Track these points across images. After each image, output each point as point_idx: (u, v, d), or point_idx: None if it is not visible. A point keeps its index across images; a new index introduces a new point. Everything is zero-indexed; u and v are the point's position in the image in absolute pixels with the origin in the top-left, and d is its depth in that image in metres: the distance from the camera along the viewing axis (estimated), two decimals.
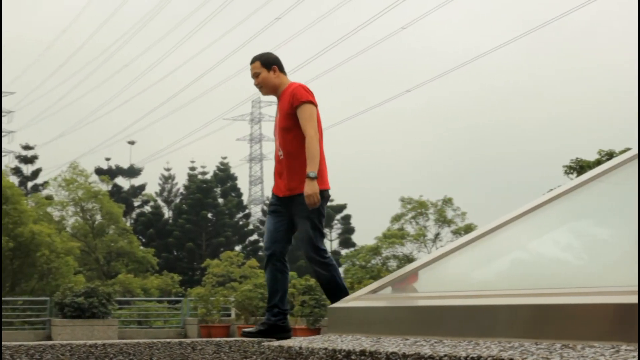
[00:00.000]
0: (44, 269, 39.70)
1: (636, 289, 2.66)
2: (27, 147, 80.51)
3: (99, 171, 73.58)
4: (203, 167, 76.39)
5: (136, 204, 77.17)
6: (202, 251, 68.94)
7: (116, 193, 71.20)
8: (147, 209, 75.79)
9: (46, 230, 39.86)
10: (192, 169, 77.33)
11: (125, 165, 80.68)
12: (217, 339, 6.42)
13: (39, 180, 77.90)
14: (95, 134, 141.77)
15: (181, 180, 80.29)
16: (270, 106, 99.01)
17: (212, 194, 73.03)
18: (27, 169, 79.66)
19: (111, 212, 50.82)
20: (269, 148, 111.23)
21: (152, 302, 37.73)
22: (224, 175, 76.41)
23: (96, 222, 51.80)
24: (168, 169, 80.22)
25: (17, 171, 77.77)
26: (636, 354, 2.39)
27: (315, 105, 7.01)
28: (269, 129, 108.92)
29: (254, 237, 76.55)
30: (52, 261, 39.30)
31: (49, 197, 54.32)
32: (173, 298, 38.69)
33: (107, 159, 79.98)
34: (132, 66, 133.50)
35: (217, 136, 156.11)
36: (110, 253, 52.18)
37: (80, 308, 24.23)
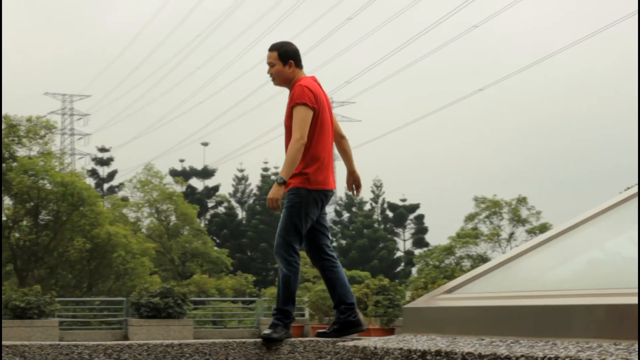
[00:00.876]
0: (120, 270, 40.21)
1: None
2: (103, 150, 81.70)
3: (173, 173, 74.27)
4: (276, 167, 76.67)
5: (210, 204, 77.78)
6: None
7: (190, 194, 71.82)
8: (221, 209, 76.34)
9: (122, 231, 40.38)
10: (265, 169, 77.72)
11: (199, 167, 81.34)
12: (292, 339, 6.44)
13: (115, 182, 79.04)
14: (169, 136, 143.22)
15: (254, 181, 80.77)
16: (341, 106, 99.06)
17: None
18: (103, 171, 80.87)
19: (186, 213, 51.30)
20: None
21: (227, 302, 38.00)
22: None
23: (171, 223, 52.33)
24: (241, 170, 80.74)
25: (93, 173, 78.95)
26: None
27: (312, 107, 6.81)
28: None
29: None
30: (128, 262, 39.78)
31: (124, 199, 55.04)
32: (247, 298, 38.94)
33: (181, 161, 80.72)
34: (205, 68, 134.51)
35: None
36: (185, 254, 52.66)
37: (156, 308, 24.48)
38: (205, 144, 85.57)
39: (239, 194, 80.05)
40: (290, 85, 6.98)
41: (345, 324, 6.91)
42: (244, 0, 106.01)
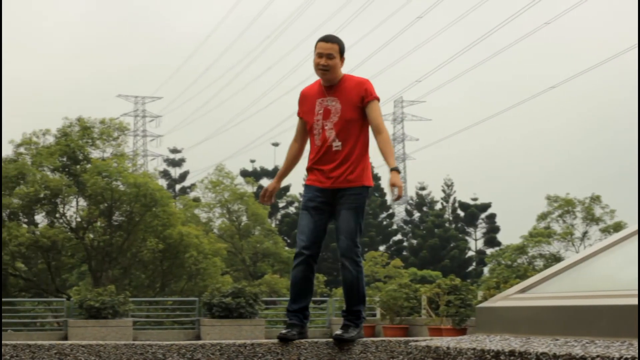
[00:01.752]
0: (192, 270, 40.53)
1: None
2: (174, 151, 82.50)
3: (244, 173, 74.69)
4: None
5: (281, 205, 78.05)
6: None
7: None
8: (292, 210, 76.55)
9: (194, 231, 40.69)
10: None
11: (270, 167, 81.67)
12: (364, 339, 6.43)
13: (187, 182, 79.76)
14: (240, 137, 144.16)
15: None
16: (412, 105, 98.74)
17: None
18: (175, 172, 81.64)
19: (257, 213, 51.54)
20: (412, 147, 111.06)
21: None
22: None
23: (242, 224, 52.62)
24: None
25: (165, 174, 79.77)
26: None
27: None
28: (411, 128, 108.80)
29: (398, 237, 76.48)
30: (200, 262, 40.08)
31: (196, 199, 55.50)
32: (318, 298, 38.97)
33: (252, 161, 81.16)
34: (274, 69, 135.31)
35: None
36: (256, 254, 52.92)
37: (228, 308, 24.65)
38: (275, 145, 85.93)
39: None
40: (334, 81, 6.84)
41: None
42: (312, 1, 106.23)
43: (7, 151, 44.52)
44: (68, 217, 40.59)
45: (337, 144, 6.69)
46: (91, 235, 40.22)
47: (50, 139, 41.05)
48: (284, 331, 6.46)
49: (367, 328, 25.31)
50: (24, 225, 38.79)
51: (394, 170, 6.62)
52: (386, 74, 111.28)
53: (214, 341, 6.17)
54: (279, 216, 76.06)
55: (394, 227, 77.22)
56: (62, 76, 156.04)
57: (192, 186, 69.70)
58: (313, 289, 7.01)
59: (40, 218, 41.09)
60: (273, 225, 64.66)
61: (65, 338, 23.99)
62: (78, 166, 39.78)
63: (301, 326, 6.67)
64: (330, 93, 6.80)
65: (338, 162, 6.68)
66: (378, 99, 6.81)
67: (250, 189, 57.45)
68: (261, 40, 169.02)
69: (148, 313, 30.60)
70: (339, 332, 6.53)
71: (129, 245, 39.82)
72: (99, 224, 40.22)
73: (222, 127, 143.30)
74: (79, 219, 40.46)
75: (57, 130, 41.01)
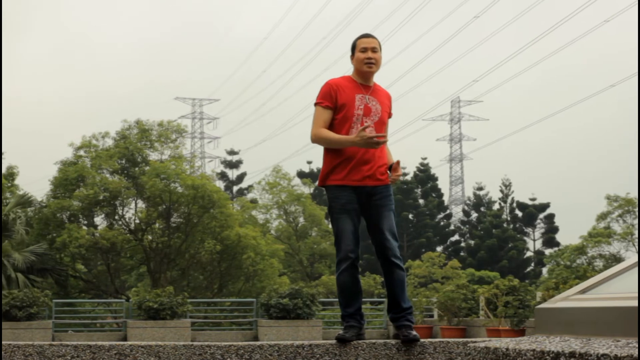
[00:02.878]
0: (249, 271, 40.68)
1: None
2: (232, 153, 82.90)
3: (301, 174, 74.80)
4: (403, 168, 76.43)
5: None
6: (403, 252, 69.11)
7: (318, 195, 72.24)
8: None
9: (251, 233, 40.83)
10: None
11: None
12: (422, 340, 6.40)
13: (244, 184, 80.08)
14: (296, 138, 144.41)
15: None
16: (469, 105, 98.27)
17: (412, 194, 73.11)
18: (232, 174, 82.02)
19: (313, 214, 51.60)
20: (469, 147, 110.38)
21: None
22: (424, 176, 76.32)
23: (299, 225, 52.72)
24: None
25: (223, 176, 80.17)
26: None
27: None
28: (468, 128, 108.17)
29: (455, 237, 76.13)
30: (257, 263, 40.21)
31: (253, 201, 55.72)
32: (375, 299, 38.92)
33: (309, 162, 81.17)
34: (330, 70, 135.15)
35: (417, 137, 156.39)
36: (313, 255, 52.99)
37: (285, 309, 24.71)
38: None
39: None
40: (371, 80, 6.82)
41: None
42: (368, 3, 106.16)
43: (67, 154, 45.11)
44: (127, 219, 41.01)
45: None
46: (150, 237, 40.55)
47: (109, 142, 41.50)
48: (342, 332, 6.44)
49: (425, 329, 25.23)
50: (84, 227, 39.22)
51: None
52: (443, 74, 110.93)
53: (272, 342, 6.19)
54: None
55: (451, 227, 76.87)
56: (121, 79, 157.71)
57: (249, 188, 70.03)
58: (362, 288, 6.94)
59: (99, 220, 41.56)
60: (330, 226, 64.67)
61: (125, 339, 24.23)
62: (137, 168, 40.14)
63: (359, 327, 6.64)
64: (369, 92, 6.77)
65: (374, 160, 6.65)
66: None
67: (307, 190, 57.55)
68: (317, 41, 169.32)
69: (206, 314, 30.79)
70: (406, 332, 6.46)
71: (187, 246, 40.10)
72: (157, 225, 40.54)
73: (279, 129, 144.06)
74: (137, 221, 40.83)
75: (116, 133, 41.46)
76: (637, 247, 46.24)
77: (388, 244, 6.69)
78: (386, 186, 6.70)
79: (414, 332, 6.44)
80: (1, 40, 24.90)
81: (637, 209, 47.01)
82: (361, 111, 6.66)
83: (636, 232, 46.96)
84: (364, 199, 6.64)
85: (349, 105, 6.67)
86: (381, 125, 6.70)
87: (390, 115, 6.87)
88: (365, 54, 6.69)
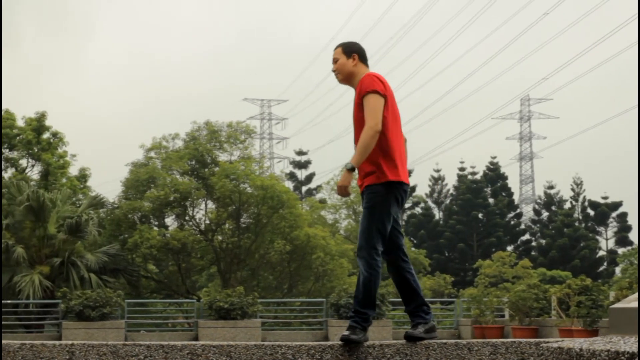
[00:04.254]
0: (319, 271, 40.73)
1: None
2: (300, 153, 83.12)
3: None
4: (472, 167, 76.12)
5: (407, 205, 77.93)
6: (473, 252, 68.70)
7: None
8: (418, 210, 76.34)
9: (321, 233, 40.88)
10: (462, 169, 77.19)
11: None
12: (493, 340, 6.35)
13: (313, 184, 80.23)
14: None
15: (451, 181, 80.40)
16: (539, 104, 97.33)
17: (482, 194, 72.63)
18: (301, 174, 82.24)
19: None
20: (540, 146, 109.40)
21: None
22: (494, 175, 75.79)
23: None
24: (437, 171, 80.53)
25: (291, 176, 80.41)
26: None
27: (383, 95, 6.61)
28: (538, 126, 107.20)
29: (526, 236, 75.48)
30: (327, 263, 40.24)
31: (322, 201, 55.77)
32: (446, 299, 38.77)
33: None
34: (398, 69, 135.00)
35: (486, 136, 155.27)
36: None
37: None
38: None
39: (435, 195, 79.87)
40: (354, 82, 6.90)
41: (433, 326, 6.68)
42: (435, 1, 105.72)
43: (138, 155, 45.60)
44: (197, 220, 41.36)
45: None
46: (220, 238, 40.83)
47: (179, 143, 41.89)
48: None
49: (496, 329, 25.05)
50: (155, 228, 39.62)
51: (345, 167, 6.56)
52: (512, 72, 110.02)
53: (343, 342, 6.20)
54: (405, 217, 75.93)
55: (522, 226, 76.24)
56: (190, 82, 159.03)
57: (318, 188, 70.14)
58: (412, 286, 6.79)
59: (170, 221, 41.98)
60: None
61: (196, 338, 24.43)
62: (206, 169, 40.43)
63: (425, 323, 6.61)
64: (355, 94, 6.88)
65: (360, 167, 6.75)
66: (374, 92, 6.62)
67: None
68: (384, 42, 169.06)
69: (276, 314, 30.89)
70: (420, 329, 6.49)
71: (256, 247, 40.30)
72: (227, 226, 40.79)
73: (347, 129, 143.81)
74: (207, 222, 41.13)
75: (185, 134, 41.82)
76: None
77: (400, 241, 6.80)
78: (366, 187, 6.66)
79: (353, 334, 6.33)
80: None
81: None
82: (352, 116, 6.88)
83: None
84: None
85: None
86: (355, 122, 6.76)
87: (361, 96, 6.66)
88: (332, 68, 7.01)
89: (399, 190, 6.62)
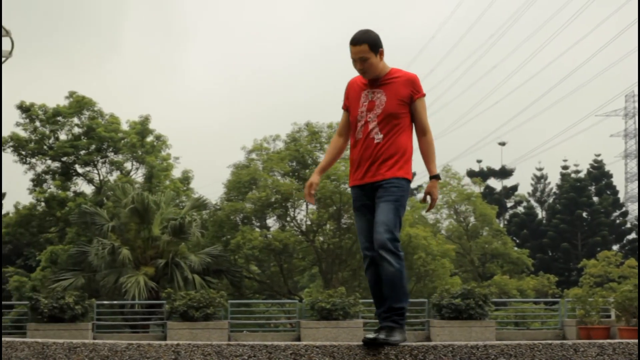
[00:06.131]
0: (421, 272, 40.58)
1: None
2: None
3: (470, 173, 74.21)
4: (576, 165, 74.91)
5: (509, 204, 77.13)
6: (577, 251, 67.61)
7: (488, 194, 71.50)
8: (520, 209, 75.49)
9: (422, 233, 40.73)
10: (565, 167, 76.05)
11: (497, 167, 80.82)
12: (600, 341, 6.23)
13: (413, 184, 79.98)
14: (465, 137, 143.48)
15: (553, 180, 79.33)
16: None
17: (586, 192, 71.40)
18: None
19: (484, 213, 51.04)
20: None
21: (529, 303, 37.46)
22: (598, 173, 74.50)
23: (470, 224, 52.26)
24: (540, 169, 79.50)
25: None
26: None
27: None
28: None
29: (632, 235, 73.98)
30: (428, 263, 40.07)
31: (423, 201, 55.52)
32: (550, 299, 38.24)
33: (479, 161, 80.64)
34: (500, 67, 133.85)
35: (590, 133, 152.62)
36: (484, 254, 52.44)
37: (457, 309, 24.52)
38: (502, 144, 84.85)
39: (538, 193, 78.87)
40: (378, 76, 6.70)
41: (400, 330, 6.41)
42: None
43: (240, 157, 46.09)
44: (298, 221, 41.56)
45: (379, 137, 6.53)
46: (321, 238, 40.97)
47: (280, 145, 42.17)
48: (371, 336, 6.18)
49: (602, 330, 24.60)
50: (257, 229, 39.95)
51: (434, 178, 6.60)
52: (616, 67, 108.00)
53: (446, 342, 6.15)
54: (507, 216, 75.17)
55: (628, 225, 74.74)
56: (289, 82, 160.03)
57: (419, 187, 69.91)
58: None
59: (271, 222, 42.29)
60: (501, 225, 63.92)
61: (298, 339, 24.54)
62: (307, 170, 40.60)
63: (391, 328, 6.39)
64: (377, 84, 6.65)
65: (373, 156, 6.55)
66: (425, 96, 6.65)
67: (477, 189, 57.02)
68: (486, 38, 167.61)
69: None
70: (382, 335, 6.19)
71: (357, 247, 40.30)
72: (328, 227, 40.89)
73: (448, 128, 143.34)
74: (309, 222, 41.30)
75: (286, 135, 42.07)
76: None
77: (377, 235, 6.49)
78: (388, 180, 6.51)
79: (390, 337, 6.19)
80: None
81: None
82: (365, 107, 6.63)
83: None
84: (372, 194, 6.61)
85: (353, 105, 6.73)
86: (384, 116, 6.55)
87: (414, 97, 6.60)
88: (355, 66, 6.66)
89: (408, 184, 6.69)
